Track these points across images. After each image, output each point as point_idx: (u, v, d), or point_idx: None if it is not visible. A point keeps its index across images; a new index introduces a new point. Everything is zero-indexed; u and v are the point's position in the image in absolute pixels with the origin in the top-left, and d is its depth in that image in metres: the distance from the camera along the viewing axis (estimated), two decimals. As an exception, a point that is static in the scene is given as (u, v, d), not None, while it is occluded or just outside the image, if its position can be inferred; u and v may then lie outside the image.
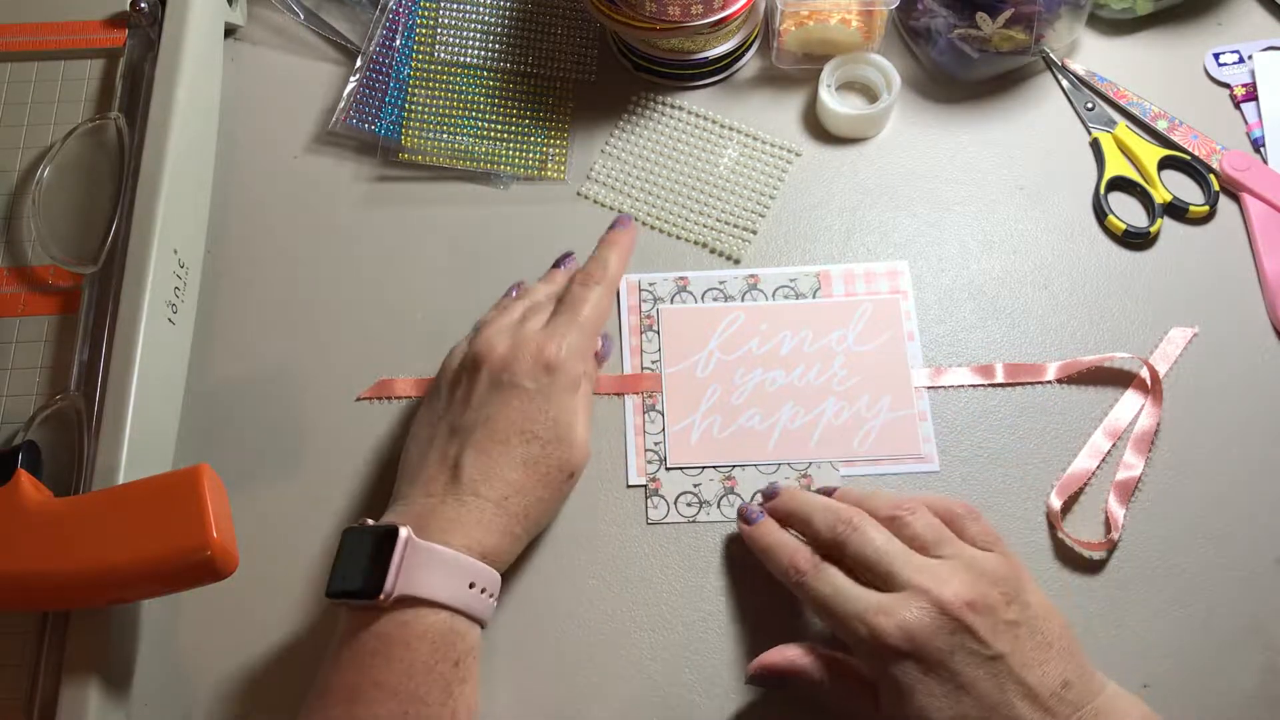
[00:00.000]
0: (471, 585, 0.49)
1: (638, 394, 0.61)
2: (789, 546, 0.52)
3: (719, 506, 0.58)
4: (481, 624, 0.51)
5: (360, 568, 0.48)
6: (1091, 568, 0.56)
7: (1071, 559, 0.56)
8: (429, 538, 0.49)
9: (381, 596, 0.47)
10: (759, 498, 0.57)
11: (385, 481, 0.60)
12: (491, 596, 0.51)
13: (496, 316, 0.58)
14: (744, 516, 0.55)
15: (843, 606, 0.48)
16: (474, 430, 0.53)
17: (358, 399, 0.62)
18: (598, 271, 0.59)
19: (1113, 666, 0.54)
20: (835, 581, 0.49)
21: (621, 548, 0.58)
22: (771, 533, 0.53)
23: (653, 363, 0.62)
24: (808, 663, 0.50)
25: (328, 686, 0.48)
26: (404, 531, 0.48)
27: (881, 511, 0.51)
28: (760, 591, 0.56)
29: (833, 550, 0.51)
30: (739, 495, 0.58)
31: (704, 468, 0.59)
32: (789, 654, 0.50)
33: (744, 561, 0.57)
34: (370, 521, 0.51)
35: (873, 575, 0.49)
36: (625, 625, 0.56)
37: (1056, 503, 0.57)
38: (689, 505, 0.58)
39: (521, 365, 0.54)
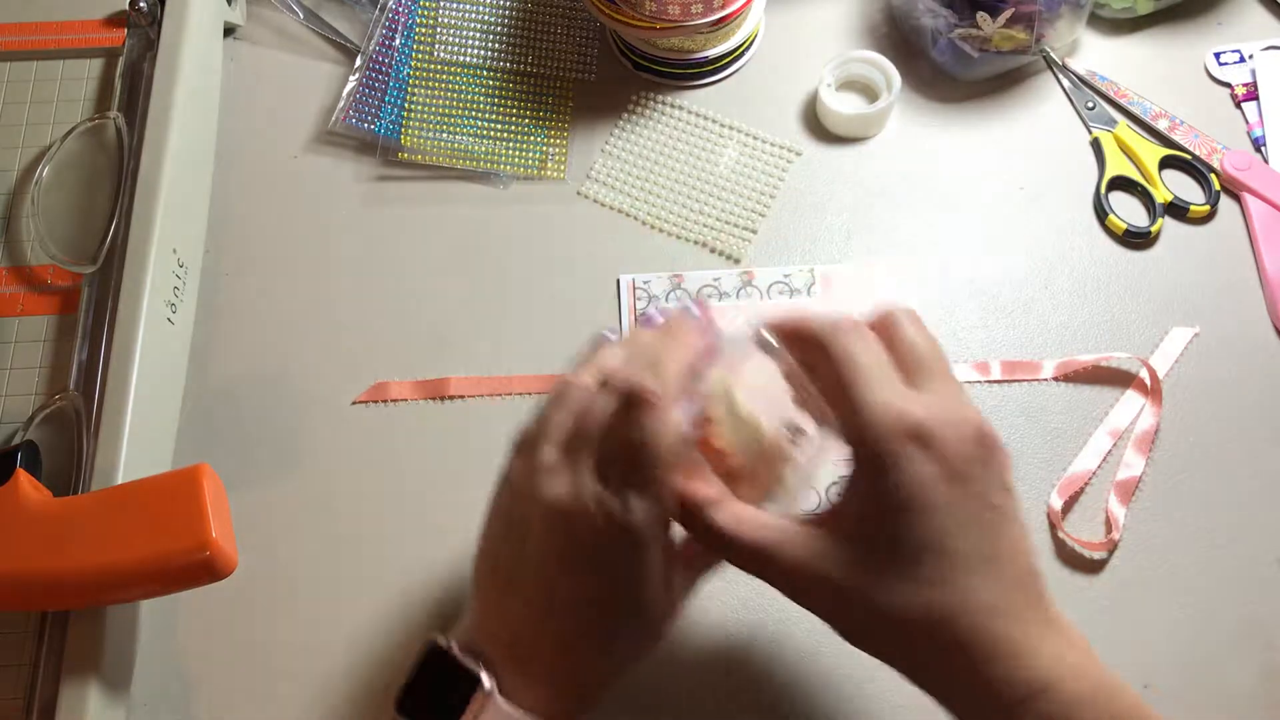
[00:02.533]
0: None
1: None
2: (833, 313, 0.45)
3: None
4: None
5: (434, 703, 0.43)
6: (1092, 568, 0.56)
7: (1072, 559, 0.56)
8: (503, 687, 0.43)
9: None
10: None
11: (383, 483, 0.60)
12: None
13: (539, 452, 0.44)
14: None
15: (868, 371, 0.42)
16: (534, 601, 0.44)
17: (353, 402, 0.62)
18: (649, 389, 0.42)
19: (1113, 666, 0.54)
20: (867, 345, 0.43)
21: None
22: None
23: (653, 362, 0.62)
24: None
25: None
26: (487, 683, 0.42)
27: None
28: (758, 591, 0.56)
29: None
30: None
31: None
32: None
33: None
34: (455, 647, 0.44)
35: (907, 358, 0.43)
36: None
37: (1058, 502, 0.57)
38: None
39: (582, 535, 0.43)
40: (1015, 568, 0.41)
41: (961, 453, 0.40)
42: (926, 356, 0.44)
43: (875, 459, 0.41)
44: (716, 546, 0.44)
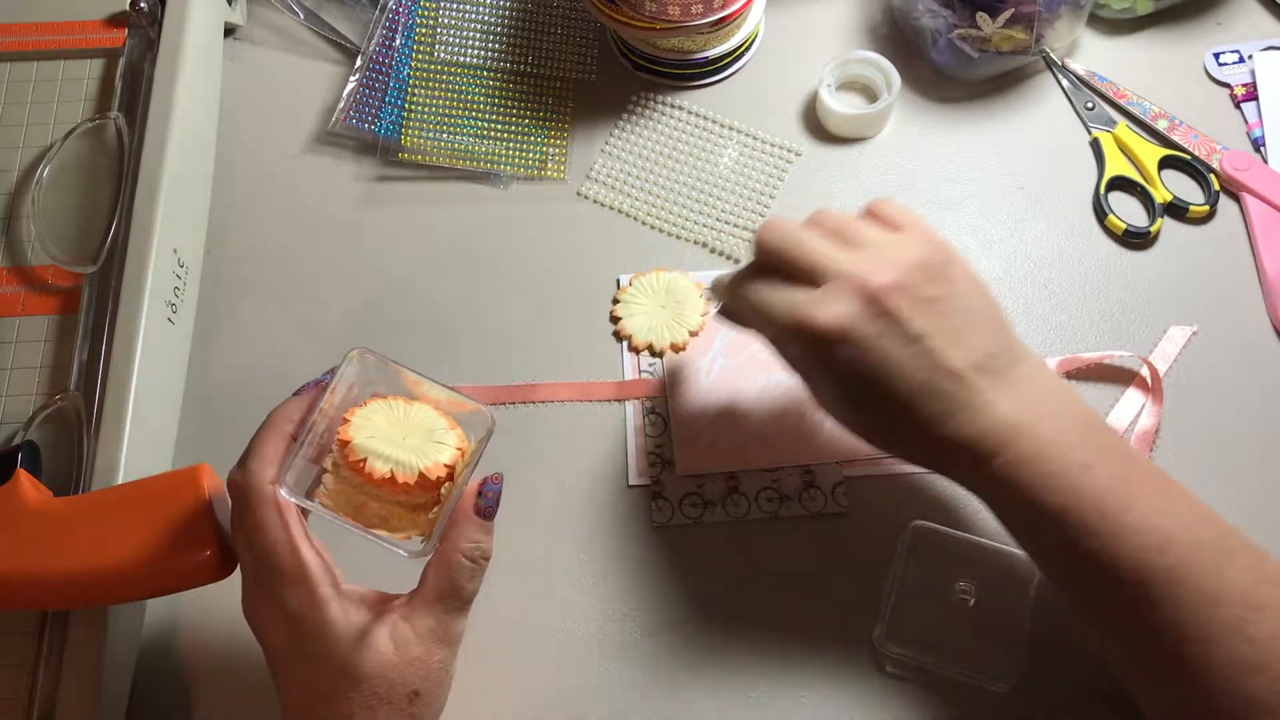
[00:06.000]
0: None
1: (637, 399, 0.61)
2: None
3: (723, 506, 0.58)
4: None
5: None
6: (1092, 567, 0.56)
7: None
8: None
9: None
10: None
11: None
12: None
13: None
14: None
15: (771, 306, 0.48)
16: None
17: (357, 399, 0.62)
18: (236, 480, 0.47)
19: (1114, 666, 0.54)
20: (761, 287, 0.49)
21: (623, 549, 0.58)
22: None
23: (650, 365, 0.62)
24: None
25: None
26: None
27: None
28: (763, 591, 0.56)
29: (767, 264, 0.50)
30: (742, 494, 0.58)
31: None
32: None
33: (747, 562, 0.57)
34: None
35: (799, 274, 0.48)
36: (626, 625, 0.56)
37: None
38: (693, 507, 0.58)
39: None
40: (959, 369, 0.47)
41: (853, 326, 0.46)
42: (796, 257, 0.48)
43: (812, 363, 0.48)
44: None
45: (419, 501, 0.47)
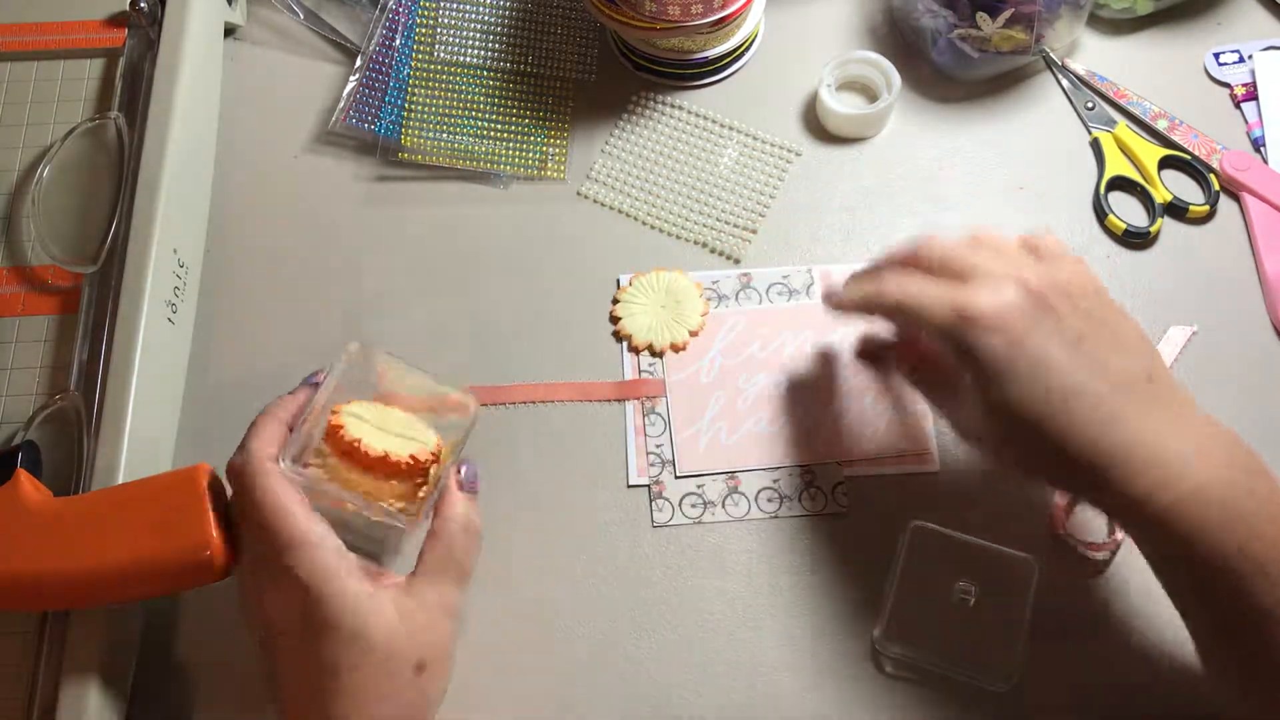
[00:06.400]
0: None
1: (637, 399, 0.61)
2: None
3: (723, 506, 0.58)
4: None
5: None
6: (1094, 569, 0.56)
7: (1074, 559, 0.56)
8: None
9: None
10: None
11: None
12: None
13: None
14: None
15: (922, 296, 0.48)
16: None
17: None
18: (234, 464, 0.50)
19: (1116, 666, 0.54)
20: (912, 280, 0.49)
21: (624, 549, 0.58)
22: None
23: (650, 366, 0.62)
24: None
25: None
26: None
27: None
28: (763, 591, 0.56)
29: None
30: (743, 494, 0.58)
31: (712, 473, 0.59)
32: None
33: (747, 562, 0.57)
34: None
35: (956, 274, 0.49)
36: (626, 626, 0.56)
37: (1060, 503, 0.57)
38: (694, 507, 0.58)
39: None
40: (1114, 380, 0.46)
41: (1013, 314, 0.46)
42: (956, 259, 0.49)
43: (960, 353, 0.47)
44: None
45: (404, 487, 0.50)
